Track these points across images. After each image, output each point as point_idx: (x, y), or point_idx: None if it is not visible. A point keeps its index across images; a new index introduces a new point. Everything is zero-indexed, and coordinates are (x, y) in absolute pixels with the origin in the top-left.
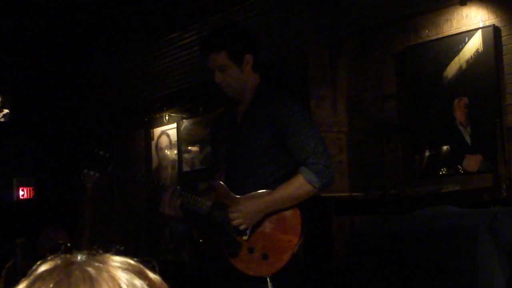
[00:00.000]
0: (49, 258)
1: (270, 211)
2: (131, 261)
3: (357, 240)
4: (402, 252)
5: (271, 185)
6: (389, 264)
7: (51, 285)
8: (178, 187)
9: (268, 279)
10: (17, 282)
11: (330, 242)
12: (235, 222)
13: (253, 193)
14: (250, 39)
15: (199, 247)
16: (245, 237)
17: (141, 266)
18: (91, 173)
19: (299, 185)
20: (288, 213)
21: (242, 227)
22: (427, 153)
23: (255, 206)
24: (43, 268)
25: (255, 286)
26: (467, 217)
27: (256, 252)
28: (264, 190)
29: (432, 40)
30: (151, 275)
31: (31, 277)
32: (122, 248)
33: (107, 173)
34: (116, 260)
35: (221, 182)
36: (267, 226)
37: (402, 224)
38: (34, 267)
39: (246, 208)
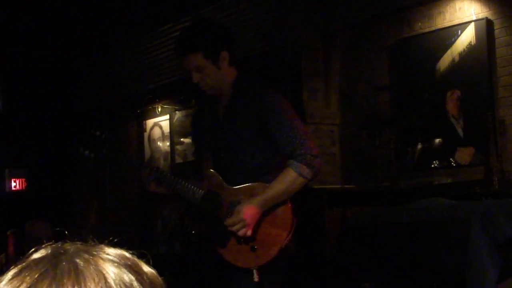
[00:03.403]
0: (43, 246)
1: (266, 209)
2: (125, 254)
3: (349, 232)
4: (394, 244)
5: (261, 175)
6: (381, 256)
7: (36, 276)
8: (160, 168)
9: (254, 270)
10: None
11: (322, 234)
12: (241, 233)
13: (246, 185)
14: (224, 35)
15: (191, 238)
16: (252, 243)
17: (135, 259)
18: (86, 153)
19: (292, 179)
20: (279, 208)
21: (248, 234)
22: (419, 146)
23: (253, 209)
24: (33, 256)
25: (241, 276)
26: (459, 210)
27: (244, 243)
28: (256, 183)
29: (425, 33)
30: (145, 268)
31: (20, 266)
32: (115, 240)
33: (101, 154)
34: (109, 253)
35: (213, 171)
36: (258, 219)
37: (394, 217)
38: (26, 254)
39: (246, 214)
